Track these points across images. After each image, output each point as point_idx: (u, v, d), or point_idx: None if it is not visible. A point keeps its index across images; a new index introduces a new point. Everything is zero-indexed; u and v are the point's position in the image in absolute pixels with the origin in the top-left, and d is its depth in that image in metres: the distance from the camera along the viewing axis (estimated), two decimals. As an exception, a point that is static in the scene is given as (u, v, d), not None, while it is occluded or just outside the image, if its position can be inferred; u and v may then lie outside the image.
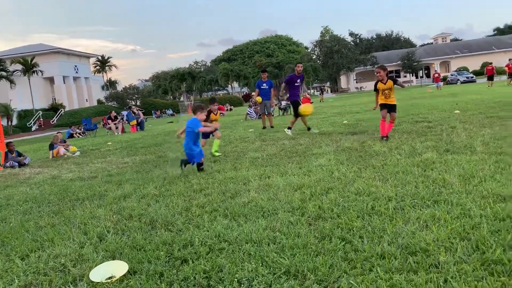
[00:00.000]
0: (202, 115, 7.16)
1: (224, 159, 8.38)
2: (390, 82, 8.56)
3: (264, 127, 14.82)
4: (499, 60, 66.93)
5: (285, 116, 21.56)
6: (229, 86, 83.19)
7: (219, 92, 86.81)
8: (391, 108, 8.70)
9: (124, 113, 28.85)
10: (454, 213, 3.56)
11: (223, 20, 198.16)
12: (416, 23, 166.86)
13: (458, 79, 52.09)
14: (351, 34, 75.41)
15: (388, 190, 4.55)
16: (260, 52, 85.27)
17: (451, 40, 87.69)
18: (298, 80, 11.98)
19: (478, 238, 2.97)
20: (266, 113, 15.07)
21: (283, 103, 23.28)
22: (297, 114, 11.68)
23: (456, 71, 60.96)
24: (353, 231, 3.42)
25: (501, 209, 3.53)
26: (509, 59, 34.63)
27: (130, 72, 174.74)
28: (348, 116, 16.13)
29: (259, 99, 14.91)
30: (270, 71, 68.75)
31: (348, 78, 77.45)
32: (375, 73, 8.77)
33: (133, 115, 24.64)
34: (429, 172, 5.22)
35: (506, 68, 31.44)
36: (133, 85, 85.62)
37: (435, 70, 63.62)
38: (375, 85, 8.83)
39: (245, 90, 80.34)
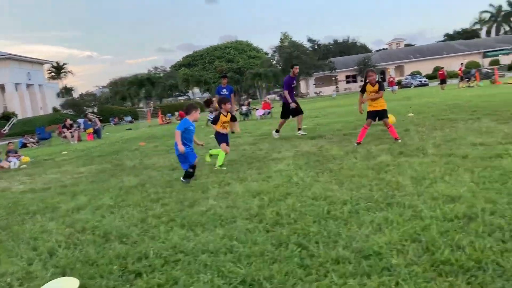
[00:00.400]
0: (195, 115, 6.60)
1: (183, 166, 8.26)
2: (377, 86, 8.60)
3: (224, 133, 14.76)
4: (449, 64, 70.10)
5: (246, 121, 21.58)
6: (190, 91, 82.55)
7: (179, 98, 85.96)
8: (382, 115, 8.62)
9: (80, 121, 27.99)
10: (406, 215, 3.66)
11: (182, 25, 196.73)
12: (371, 29, 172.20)
13: (412, 83, 54.08)
14: (309, 40, 76.75)
15: (343, 194, 4.62)
16: (221, 57, 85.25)
17: (405, 46, 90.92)
18: (294, 82, 11.97)
19: (428, 240, 3.06)
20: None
21: (244, 108, 23.33)
22: (288, 116, 11.71)
23: (410, 75, 63.32)
24: (310, 236, 3.45)
25: (450, 209, 3.66)
26: (461, 63, 36.37)
27: (87, 78, 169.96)
28: (307, 121, 16.34)
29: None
30: (231, 77, 68.83)
31: (307, 83, 78.72)
32: (367, 77, 8.71)
33: (89, 122, 23.94)
34: (383, 175, 5.36)
35: (459, 72, 33.02)
36: (90, 92, 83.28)
37: (390, 75, 65.79)
38: (364, 86, 8.70)
39: (206, 95, 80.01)
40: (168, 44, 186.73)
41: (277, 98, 48.80)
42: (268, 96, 56.67)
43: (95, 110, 61.71)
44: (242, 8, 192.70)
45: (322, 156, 7.49)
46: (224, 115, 8.03)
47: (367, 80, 8.58)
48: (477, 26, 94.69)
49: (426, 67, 70.02)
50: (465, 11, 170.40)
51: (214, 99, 19.14)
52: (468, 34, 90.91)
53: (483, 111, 11.77)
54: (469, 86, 30.82)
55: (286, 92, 11.79)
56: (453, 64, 69.06)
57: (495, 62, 61.77)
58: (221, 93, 15.03)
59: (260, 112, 22.02)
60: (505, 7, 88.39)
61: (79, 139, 22.61)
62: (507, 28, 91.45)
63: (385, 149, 7.36)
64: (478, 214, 3.46)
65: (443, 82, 32.33)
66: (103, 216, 5.02)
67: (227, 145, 7.96)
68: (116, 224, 4.52)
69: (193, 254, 3.36)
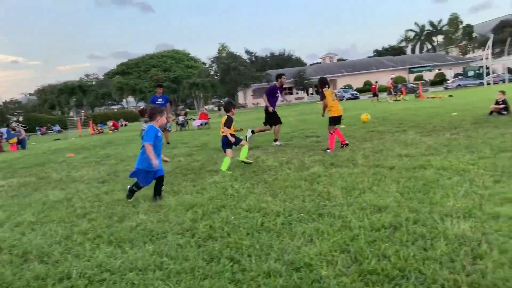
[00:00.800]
0: (162, 120, 5.73)
1: (114, 179, 7.91)
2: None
3: (159, 144, 14.40)
4: (378, 78, 74.12)
5: (183, 131, 21.25)
6: (124, 100, 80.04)
7: (113, 107, 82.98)
8: (340, 120, 8.99)
9: (3, 130, 26.03)
10: (336, 226, 3.74)
11: (117, 32, 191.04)
12: (306, 44, 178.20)
13: (344, 96, 56.43)
14: (247, 51, 77.76)
15: (277, 205, 4.65)
16: (157, 66, 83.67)
17: (338, 60, 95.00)
18: (279, 91, 11.70)
19: (357, 250, 3.14)
20: (162, 129, 14.68)
21: (181, 118, 22.98)
22: (271, 124, 11.43)
23: (342, 88, 66.09)
24: (242, 250, 3.40)
25: (377, 219, 3.80)
26: (391, 78, 38.62)
27: (12, 85, 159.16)
28: (244, 132, 16.41)
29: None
30: (168, 86, 67.73)
31: (245, 94, 79.52)
32: (320, 89, 8.99)
33: (13, 132, 22.33)
34: (316, 185, 5.46)
35: (389, 86, 35.11)
36: (14, 99, 77.99)
37: (324, 87, 68.12)
38: (322, 93, 8.83)
39: (142, 104, 78.00)
40: (102, 51, 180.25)
41: (215, 108, 48.64)
42: (206, 107, 56.42)
43: (20, 118, 57.83)
44: (179, 17, 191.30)
45: (258, 167, 7.51)
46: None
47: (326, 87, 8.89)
48: (403, 44, 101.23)
49: (357, 81, 73.51)
50: (392, 29, 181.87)
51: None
52: (395, 51, 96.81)
53: (409, 124, 12.49)
54: (396, 100, 32.70)
55: (265, 96, 11.54)
56: (381, 78, 73.17)
57: (419, 78, 66.22)
58: (156, 102, 14.69)
59: (197, 122, 21.80)
60: (428, 27, 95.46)
61: (1, 150, 21.01)
62: (430, 47, 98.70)
63: (318, 160, 7.53)
64: (403, 223, 3.62)
65: (375, 95, 34.24)
66: (22, 233, 4.64)
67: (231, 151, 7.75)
68: (36, 242, 4.19)
69: (119, 273, 3.19)
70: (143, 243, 3.84)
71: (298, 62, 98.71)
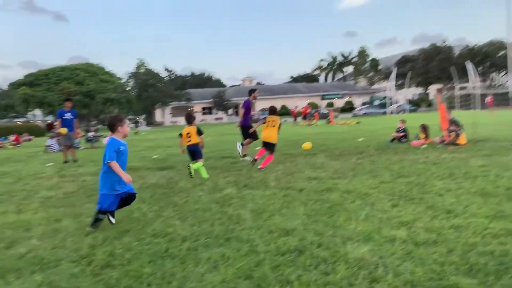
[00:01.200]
0: (124, 129, 5.00)
1: (7, 200, 7.16)
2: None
3: (65, 161, 13.45)
4: (294, 103, 77.09)
5: (92, 149, 20.09)
6: (30, 113, 74.17)
7: (16, 120, 76.47)
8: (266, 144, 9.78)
9: None
10: (243, 251, 3.69)
11: (25, 40, 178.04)
12: (226, 66, 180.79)
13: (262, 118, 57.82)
14: (166, 69, 76.64)
15: (185, 229, 4.49)
16: (69, 78, 78.98)
17: (256, 84, 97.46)
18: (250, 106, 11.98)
19: (260, 276, 3.10)
20: (69, 145, 13.75)
21: (91, 134, 21.76)
22: (248, 138, 11.45)
23: (260, 111, 67.64)
24: (142, 278, 3.20)
25: (283, 243, 3.82)
26: (308, 103, 40.57)
27: None
28: (159, 150, 15.97)
29: (63, 130, 13.52)
30: (80, 100, 64.15)
31: (163, 112, 78.03)
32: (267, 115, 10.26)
33: None
34: (227, 208, 5.40)
35: (304, 110, 37.12)
36: None
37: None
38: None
39: (50, 118, 72.93)
40: (7, 59, 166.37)
41: (131, 125, 46.89)
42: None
43: None
44: (96, 30, 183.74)
45: (169, 188, 7.28)
46: None
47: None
48: (317, 72, 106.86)
49: (274, 105, 75.72)
50: (307, 57, 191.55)
51: (56, 123, 17.41)
52: (309, 78, 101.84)
53: (319, 148, 13.04)
54: (309, 125, 34.18)
55: (242, 110, 11.66)
56: (297, 103, 76.24)
57: (331, 104, 70.08)
58: (64, 117, 13.78)
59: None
60: (340, 57, 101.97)
61: None
62: (341, 76, 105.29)
63: (232, 181, 7.51)
64: (307, 247, 3.67)
65: (304, 117, 36.41)
66: None
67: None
68: None
69: (-2, 309, 2.82)
70: (31, 273, 3.46)
71: (219, 83, 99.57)
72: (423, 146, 11.45)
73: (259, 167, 9.02)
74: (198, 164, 8.33)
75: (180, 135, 8.80)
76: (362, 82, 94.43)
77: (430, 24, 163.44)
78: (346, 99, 78.18)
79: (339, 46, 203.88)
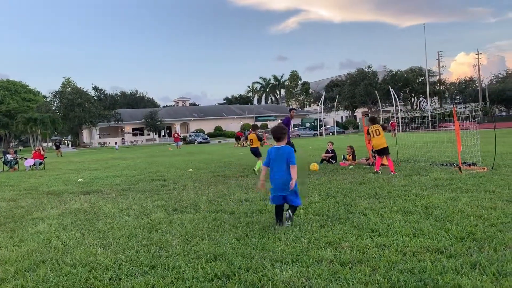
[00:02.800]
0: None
1: None
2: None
3: (-23, 186, 12.29)
4: (228, 124, 77.62)
5: (10, 172, 18.60)
6: None
7: None
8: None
9: None
10: (168, 278, 3.53)
11: None
12: (158, 86, 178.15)
13: (196, 140, 57.33)
14: (94, 88, 73.59)
15: (107, 257, 4.23)
16: (-14, 97, 73.32)
17: (190, 104, 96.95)
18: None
19: (186, 304, 2.97)
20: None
21: (9, 156, 20.18)
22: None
23: (194, 132, 67.15)
24: (56, 314, 2.93)
25: (211, 268, 3.71)
26: (242, 125, 40.98)
27: None
28: (85, 174, 15.15)
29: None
30: (-1, 120, 59.74)
31: (91, 132, 74.76)
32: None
33: None
34: (154, 233, 5.19)
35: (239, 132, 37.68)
36: None
37: (175, 130, 68.44)
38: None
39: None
40: None
41: (53, 147, 43.95)
42: (44, 144, 51.05)
43: None
44: (17, 45, 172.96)
45: (93, 213, 6.89)
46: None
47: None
48: (251, 94, 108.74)
49: (209, 126, 75.69)
50: (241, 79, 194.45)
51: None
52: (243, 100, 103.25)
53: (252, 169, 13.10)
54: (242, 146, 34.43)
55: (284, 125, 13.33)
56: (231, 125, 76.79)
57: (264, 126, 71.30)
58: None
59: (29, 162, 19.37)
60: (272, 81, 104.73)
61: None
62: (274, 98, 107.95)
63: (161, 205, 7.26)
64: (236, 271, 3.59)
65: (238, 139, 36.85)
66: None
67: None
68: None
69: None
70: None
71: (151, 103, 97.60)
72: (350, 167, 11.92)
73: (392, 173, 9.68)
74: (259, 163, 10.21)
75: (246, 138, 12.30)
76: (294, 104, 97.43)
77: (354, 51, 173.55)
78: (279, 121, 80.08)
79: (271, 70, 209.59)
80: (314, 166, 11.86)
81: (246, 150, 27.51)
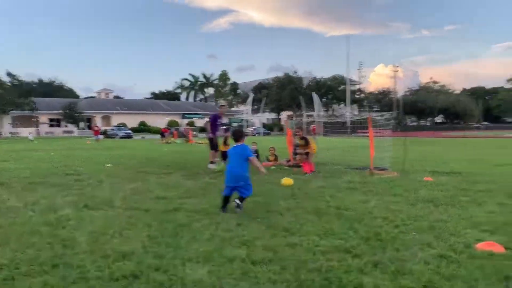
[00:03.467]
0: None
1: None
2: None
3: None
4: (154, 120, 75.61)
5: None
6: None
7: None
8: None
9: None
10: (70, 278, 3.32)
11: None
12: (80, 75, 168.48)
13: (118, 134, 55.04)
14: (9, 74, 67.78)
15: (4, 256, 3.88)
16: None
17: (114, 97, 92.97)
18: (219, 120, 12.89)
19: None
20: None
21: None
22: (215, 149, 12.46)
23: (116, 126, 64.44)
24: None
25: (118, 268, 3.54)
26: (168, 122, 39.94)
27: None
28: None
29: None
30: None
31: (1, 121, 68.85)
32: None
33: None
34: (61, 231, 4.86)
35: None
36: None
37: (95, 123, 65.26)
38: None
39: None
40: None
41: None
42: None
43: None
44: None
45: (-6, 208, 6.30)
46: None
47: None
48: (179, 91, 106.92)
49: (133, 121, 73.11)
50: (170, 75, 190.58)
51: None
52: (171, 96, 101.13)
53: (176, 167, 12.86)
54: (167, 142, 33.74)
55: (209, 124, 12.74)
56: (158, 121, 74.91)
57: (191, 124, 70.52)
58: None
59: None
60: (202, 78, 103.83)
61: None
62: (202, 97, 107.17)
63: (72, 201, 6.84)
64: (144, 271, 3.47)
65: (163, 135, 35.83)
66: None
67: None
68: None
69: None
70: None
71: (71, 94, 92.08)
72: (272, 167, 12.13)
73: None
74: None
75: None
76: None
77: (284, 55, 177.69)
78: (207, 119, 79.66)
79: (201, 68, 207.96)
80: (288, 181, 9.01)
81: (170, 147, 26.97)
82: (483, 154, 17.42)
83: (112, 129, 59.99)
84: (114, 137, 53.95)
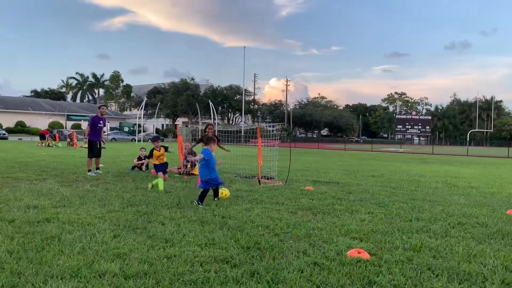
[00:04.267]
0: None
1: None
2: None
3: None
4: (34, 120, 69.00)
5: None
6: None
7: None
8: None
9: None
10: None
11: None
12: None
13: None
14: None
15: None
16: None
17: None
18: (101, 122, 12.20)
19: None
20: None
21: None
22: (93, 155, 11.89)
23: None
24: None
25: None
26: (49, 123, 36.54)
27: None
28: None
29: None
30: None
31: None
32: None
33: None
34: None
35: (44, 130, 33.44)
36: None
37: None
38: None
39: None
40: None
41: None
42: None
43: None
44: None
45: None
46: (158, 151, 10.22)
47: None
48: (64, 90, 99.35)
49: (9, 120, 65.93)
50: (54, 72, 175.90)
51: None
52: (55, 95, 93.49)
53: (52, 172, 11.81)
54: (48, 145, 31.02)
55: (88, 128, 12.05)
56: (37, 121, 68.51)
57: (77, 126, 65.85)
58: None
59: None
60: (91, 78, 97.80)
61: None
62: (91, 98, 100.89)
63: None
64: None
65: (42, 137, 32.25)
66: None
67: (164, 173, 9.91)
68: None
69: None
70: None
71: None
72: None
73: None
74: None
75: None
76: (113, 106, 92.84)
77: (180, 61, 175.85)
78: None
79: (90, 67, 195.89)
80: (224, 193, 8.02)
81: (50, 151, 24.80)
82: (360, 165, 19.01)
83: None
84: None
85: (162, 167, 10.01)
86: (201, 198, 7.16)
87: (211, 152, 7.63)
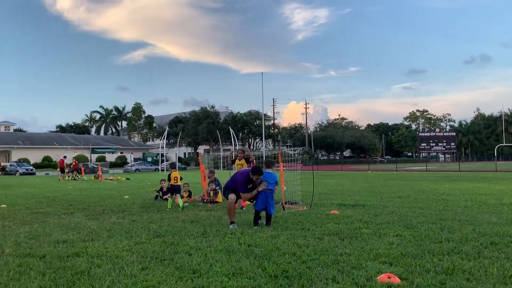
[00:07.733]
0: None
1: None
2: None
3: None
4: (59, 155, 70.70)
5: None
6: None
7: None
8: None
9: None
10: None
11: None
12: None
13: (18, 170, 50.57)
14: None
15: None
16: None
17: (15, 130, 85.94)
18: None
19: None
20: None
21: None
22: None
23: (16, 162, 59.17)
24: None
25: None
26: (64, 156, 37.41)
27: None
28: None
29: None
30: None
31: None
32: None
33: None
34: None
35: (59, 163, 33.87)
36: None
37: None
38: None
39: None
40: None
41: None
42: None
43: None
44: None
45: None
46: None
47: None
48: (88, 124, 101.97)
49: (36, 156, 67.79)
50: (78, 107, 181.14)
51: None
52: (79, 129, 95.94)
53: (79, 206, 12.03)
54: (74, 179, 31.66)
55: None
56: (63, 155, 70.18)
57: (101, 159, 67.13)
58: None
59: None
60: (114, 111, 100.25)
61: None
62: (114, 130, 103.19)
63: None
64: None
65: (63, 171, 32.67)
66: None
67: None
68: None
69: None
70: None
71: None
72: (186, 204, 11.86)
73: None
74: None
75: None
76: (136, 138, 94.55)
77: (199, 90, 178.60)
78: (119, 154, 76.45)
79: (112, 100, 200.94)
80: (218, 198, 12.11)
81: (76, 184, 25.27)
82: (385, 186, 18.71)
83: (11, 165, 54.90)
84: (14, 174, 49.54)
85: (177, 187, 11.85)
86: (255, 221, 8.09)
87: None
